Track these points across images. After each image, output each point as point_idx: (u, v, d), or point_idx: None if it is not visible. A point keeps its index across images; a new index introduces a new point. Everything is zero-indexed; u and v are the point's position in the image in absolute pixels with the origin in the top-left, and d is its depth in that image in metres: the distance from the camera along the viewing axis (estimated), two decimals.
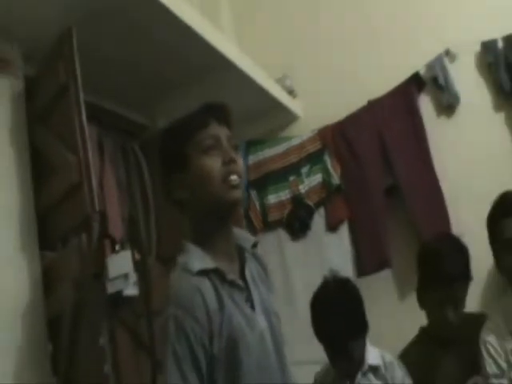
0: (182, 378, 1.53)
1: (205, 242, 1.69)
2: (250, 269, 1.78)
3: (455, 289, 2.59)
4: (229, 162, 1.66)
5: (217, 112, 1.74)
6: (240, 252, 1.79)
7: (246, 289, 1.71)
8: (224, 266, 1.67)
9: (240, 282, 1.69)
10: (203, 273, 1.61)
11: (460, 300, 2.63)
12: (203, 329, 1.55)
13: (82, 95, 2.48)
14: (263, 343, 1.66)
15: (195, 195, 1.69)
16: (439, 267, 2.62)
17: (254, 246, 1.86)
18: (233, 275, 1.67)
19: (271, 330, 1.71)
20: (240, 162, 1.72)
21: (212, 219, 1.70)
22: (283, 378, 1.71)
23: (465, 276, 2.64)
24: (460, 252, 2.68)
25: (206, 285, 1.60)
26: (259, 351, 1.63)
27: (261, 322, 1.69)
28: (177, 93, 3.40)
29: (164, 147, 1.81)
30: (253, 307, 1.69)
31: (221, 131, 1.71)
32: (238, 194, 1.67)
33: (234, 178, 1.65)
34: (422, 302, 2.75)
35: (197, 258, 1.65)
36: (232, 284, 1.66)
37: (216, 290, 1.61)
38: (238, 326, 1.60)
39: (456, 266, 2.60)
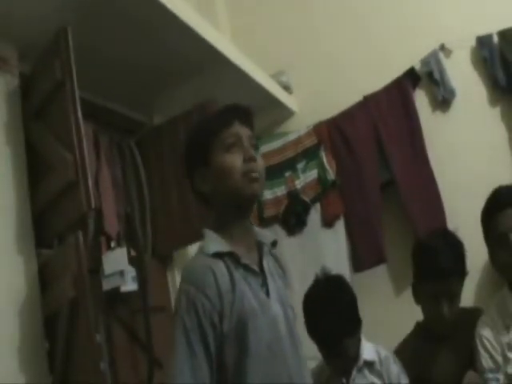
0: (189, 348, 1.60)
1: (224, 231, 1.79)
2: (268, 263, 1.84)
3: (450, 283, 2.61)
4: (249, 160, 1.75)
5: (240, 113, 1.85)
6: (259, 247, 1.85)
7: (262, 276, 1.77)
8: (241, 252, 1.75)
9: (255, 267, 1.76)
10: (218, 255, 1.71)
11: (455, 295, 2.64)
12: (213, 306, 1.63)
13: (77, 92, 2.47)
14: (275, 329, 1.71)
15: (217, 188, 1.79)
16: (434, 262, 2.63)
17: (274, 244, 1.93)
18: (248, 261, 1.75)
19: (286, 320, 1.76)
20: (260, 160, 1.81)
21: (232, 211, 1.79)
22: (297, 366, 1.75)
23: (459, 271, 2.65)
24: (455, 247, 2.70)
25: (219, 266, 1.69)
26: (271, 335, 1.68)
27: (275, 308, 1.74)
28: (173, 90, 3.40)
29: (190, 143, 1.91)
30: (267, 294, 1.75)
31: (243, 131, 1.81)
32: (256, 186, 1.76)
33: (254, 175, 1.75)
34: (418, 297, 2.77)
35: (213, 242, 1.75)
36: (247, 268, 1.73)
37: (229, 271, 1.69)
38: (249, 308, 1.66)
39: (450, 260, 2.61)
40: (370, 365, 2.55)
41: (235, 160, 1.75)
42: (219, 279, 1.66)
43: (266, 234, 1.94)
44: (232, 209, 1.79)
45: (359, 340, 2.56)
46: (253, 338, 1.64)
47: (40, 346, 2.39)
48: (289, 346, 1.73)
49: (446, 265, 2.60)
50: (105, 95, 3.26)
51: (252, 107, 1.88)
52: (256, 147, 1.84)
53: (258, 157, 1.80)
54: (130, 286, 2.77)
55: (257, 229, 1.92)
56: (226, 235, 1.77)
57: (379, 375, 2.53)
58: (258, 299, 1.70)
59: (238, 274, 1.70)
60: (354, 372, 2.52)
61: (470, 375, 2.54)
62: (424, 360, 2.68)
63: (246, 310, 1.65)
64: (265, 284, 1.77)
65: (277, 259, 1.94)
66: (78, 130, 2.44)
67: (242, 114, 1.85)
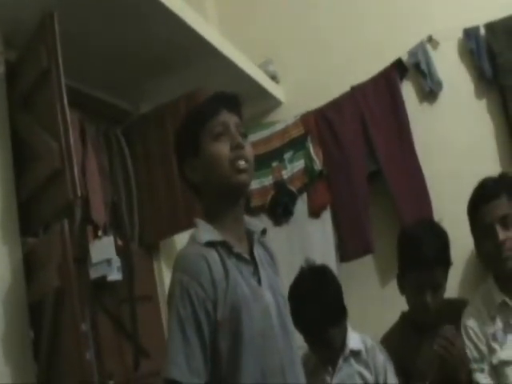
0: (184, 337, 1.60)
1: (215, 221, 1.79)
2: (258, 251, 1.85)
3: (434, 273, 2.62)
4: (236, 148, 1.75)
5: (227, 101, 1.84)
6: (249, 236, 1.86)
7: (253, 264, 1.78)
8: (232, 241, 1.75)
9: (247, 256, 1.77)
10: (211, 244, 1.71)
11: (439, 285, 2.65)
12: (207, 295, 1.63)
13: (63, 80, 2.44)
14: (268, 315, 1.72)
15: (206, 178, 1.79)
16: (417, 251, 2.64)
17: (263, 232, 1.93)
18: (239, 249, 1.75)
19: (277, 308, 1.77)
20: (248, 147, 1.80)
21: (222, 201, 1.79)
22: (289, 352, 1.75)
23: (443, 260, 2.66)
24: (438, 236, 2.71)
25: (212, 254, 1.69)
26: (263, 322, 1.69)
27: (267, 296, 1.74)
28: (160, 78, 3.37)
29: (178, 133, 1.92)
30: (259, 282, 1.76)
31: (230, 119, 1.80)
32: (244, 177, 1.76)
33: (241, 162, 1.74)
34: (402, 287, 2.78)
35: (205, 231, 1.75)
36: (239, 257, 1.74)
37: (222, 260, 1.70)
38: (242, 295, 1.66)
39: (435, 250, 2.62)
40: (356, 354, 2.56)
41: (223, 148, 1.74)
42: (213, 267, 1.66)
43: (256, 223, 1.94)
44: (222, 198, 1.78)
45: (345, 329, 2.56)
46: (246, 325, 1.64)
47: (25, 335, 2.36)
48: (280, 333, 1.74)
49: (430, 254, 2.61)
50: (91, 83, 3.23)
51: (240, 95, 1.87)
52: (244, 135, 1.83)
53: (247, 144, 1.79)
54: (116, 275, 2.75)
55: (246, 217, 1.91)
56: (218, 225, 1.77)
57: (365, 364, 2.54)
58: (250, 287, 1.71)
59: (231, 263, 1.70)
60: (341, 361, 2.53)
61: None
62: (409, 350, 2.69)
63: (239, 297, 1.66)
64: (256, 272, 1.77)
65: (266, 247, 1.94)
66: (64, 118, 2.41)
67: (230, 101, 1.85)
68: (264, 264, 1.84)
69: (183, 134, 1.88)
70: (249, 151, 1.79)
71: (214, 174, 1.75)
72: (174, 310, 1.63)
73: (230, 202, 1.80)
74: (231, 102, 1.84)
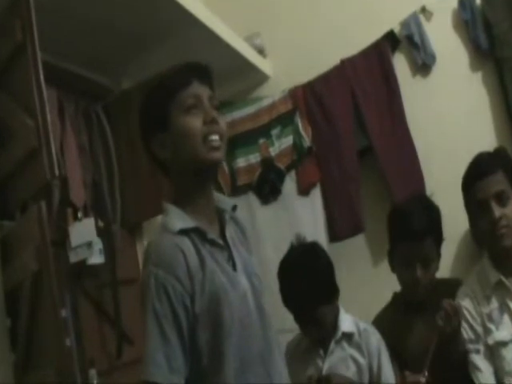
0: (162, 336, 1.56)
1: (185, 203, 1.74)
2: (230, 231, 1.81)
3: (423, 246, 2.60)
4: (210, 122, 1.69)
5: (199, 71, 1.77)
6: (220, 214, 1.82)
7: (227, 249, 1.74)
8: (204, 226, 1.70)
9: (221, 242, 1.72)
10: (183, 232, 1.67)
11: (429, 259, 2.63)
12: (184, 287, 1.59)
13: (39, 55, 2.40)
14: (245, 302, 1.69)
15: (176, 155, 1.73)
16: (406, 223, 2.63)
17: (234, 208, 1.88)
18: (213, 235, 1.71)
19: (253, 290, 1.74)
20: (222, 122, 1.74)
21: (193, 180, 1.74)
22: (265, 336, 1.73)
23: (434, 233, 2.64)
24: (429, 209, 2.70)
25: (186, 243, 1.64)
26: (241, 308, 1.67)
27: (242, 281, 1.71)
28: (142, 53, 3.34)
29: (144, 106, 1.84)
30: (234, 267, 1.72)
31: (202, 90, 1.74)
32: (218, 155, 1.71)
33: (215, 137, 1.69)
34: (393, 264, 2.76)
35: (177, 218, 1.70)
36: (213, 243, 1.70)
37: (197, 248, 1.65)
38: (220, 284, 1.63)
39: (424, 222, 2.61)
40: (348, 337, 2.54)
41: (195, 122, 1.69)
42: (188, 258, 1.61)
43: (226, 200, 1.91)
44: (193, 177, 1.73)
45: (337, 309, 2.55)
46: (226, 315, 1.61)
47: (1, 323, 2.34)
48: (257, 319, 1.72)
49: (419, 226, 2.59)
50: (70, 58, 3.19)
51: (211, 65, 1.80)
52: (217, 108, 1.77)
53: (220, 118, 1.73)
54: (97, 258, 2.72)
55: (216, 194, 1.87)
56: (188, 207, 1.73)
57: (358, 347, 2.52)
58: (226, 275, 1.67)
59: (205, 250, 1.66)
60: (332, 344, 2.52)
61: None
62: (400, 331, 2.68)
63: (218, 287, 1.62)
64: (231, 257, 1.74)
65: (237, 222, 1.91)
66: (41, 94, 2.38)
67: (202, 72, 1.78)
68: (237, 244, 1.81)
69: (150, 106, 1.81)
70: (223, 126, 1.74)
71: (184, 150, 1.70)
72: (150, 306, 1.58)
73: (201, 181, 1.75)
74: (203, 73, 1.78)
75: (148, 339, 1.57)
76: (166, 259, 1.61)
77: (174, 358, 1.56)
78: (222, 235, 1.77)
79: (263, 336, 1.72)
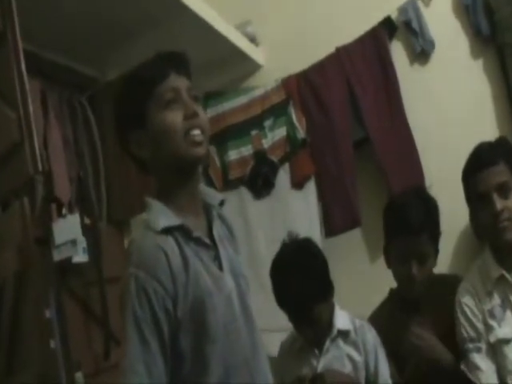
0: (142, 342, 1.53)
1: (169, 199, 1.70)
2: (217, 228, 1.78)
3: (420, 241, 2.61)
4: (191, 116, 1.65)
5: (175, 61, 1.73)
6: (207, 210, 1.79)
7: (214, 247, 1.72)
8: (190, 223, 1.67)
9: (207, 240, 1.70)
10: (167, 230, 1.61)
11: (426, 255, 2.64)
12: (166, 291, 1.56)
13: (21, 44, 2.40)
14: (230, 305, 1.67)
15: (156, 153, 1.69)
16: (401, 217, 2.64)
17: (221, 204, 1.86)
18: (199, 233, 1.68)
19: (238, 292, 1.72)
20: (203, 115, 1.71)
21: (175, 177, 1.71)
22: (251, 341, 1.72)
23: (429, 227, 2.64)
24: (426, 203, 2.70)
25: (169, 243, 1.61)
26: (226, 313, 1.64)
27: (229, 282, 1.69)
28: (128, 41, 3.31)
29: (120, 102, 1.79)
30: (220, 267, 1.70)
31: (181, 82, 1.70)
32: (201, 150, 1.67)
33: (196, 132, 1.65)
34: (388, 260, 2.77)
35: (160, 215, 1.66)
36: (198, 242, 1.67)
37: (180, 248, 1.62)
38: (204, 287, 1.60)
39: (420, 216, 2.61)
40: (344, 334, 2.54)
41: (175, 118, 1.65)
42: (171, 260, 1.58)
43: (213, 195, 1.88)
44: (175, 175, 1.70)
45: (332, 307, 2.55)
46: (211, 319, 1.59)
47: None
48: (243, 323, 1.70)
49: (416, 221, 2.59)
50: (53, 48, 3.19)
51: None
52: (196, 99, 1.74)
53: (200, 110, 1.70)
54: (82, 256, 2.71)
55: (203, 188, 1.85)
56: (172, 205, 1.69)
57: (355, 345, 2.53)
58: (211, 276, 1.65)
59: (189, 250, 1.64)
60: (328, 342, 2.52)
61: None
62: (396, 329, 2.68)
63: (202, 290, 1.60)
64: (217, 257, 1.71)
65: (224, 219, 1.89)
66: (22, 85, 2.38)
67: (178, 62, 1.74)
68: (224, 242, 1.79)
69: (126, 102, 1.77)
70: (204, 118, 1.71)
71: (165, 147, 1.66)
72: (130, 310, 1.55)
73: (185, 178, 1.72)
74: (180, 63, 1.75)
75: (127, 345, 1.55)
76: (147, 260, 1.58)
77: (154, 365, 1.53)
78: (209, 232, 1.75)
79: (249, 340, 1.71)
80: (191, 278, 1.59)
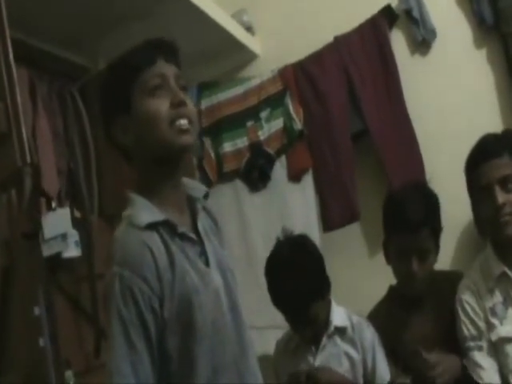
0: (128, 342, 1.52)
1: (152, 193, 1.69)
2: (203, 222, 1.77)
3: (420, 237, 2.60)
4: (178, 105, 1.64)
5: (164, 48, 1.72)
6: (191, 203, 1.78)
7: (200, 242, 1.70)
8: (174, 217, 1.66)
9: (192, 235, 1.68)
10: (152, 226, 1.60)
11: (426, 251, 2.64)
12: (153, 290, 1.54)
13: (8, 32, 2.40)
14: (218, 301, 1.66)
15: (140, 141, 1.68)
16: (401, 212, 2.64)
17: (206, 196, 1.84)
18: (184, 227, 1.66)
19: (226, 288, 1.71)
20: (190, 104, 1.69)
21: (159, 167, 1.70)
22: (239, 338, 1.71)
23: (429, 222, 2.64)
24: (426, 198, 2.70)
25: (154, 240, 1.60)
26: (214, 310, 1.63)
27: (215, 278, 1.68)
28: (120, 30, 3.27)
29: (105, 87, 1.79)
30: (207, 262, 1.69)
31: (168, 70, 1.69)
32: (187, 139, 1.65)
33: (183, 122, 1.64)
34: (388, 257, 2.77)
35: (144, 211, 1.66)
36: (183, 237, 1.65)
37: (166, 244, 1.60)
38: (191, 284, 1.59)
39: (420, 211, 2.61)
40: (341, 331, 2.56)
41: (161, 105, 1.64)
42: (157, 257, 1.57)
43: (197, 187, 1.87)
44: (159, 165, 1.69)
45: (329, 304, 2.56)
46: (198, 317, 1.58)
47: None
48: (231, 321, 1.69)
49: (416, 216, 2.59)
50: (42, 36, 3.17)
51: (177, 41, 1.76)
52: (184, 88, 1.73)
53: (188, 100, 1.69)
54: (73, 251, 2.70)
55: (186, 180, 1.82)
56: (155, 198, 1.68)
57: (352, 342, 2.55)
58: (198, 273, 1.63)
59: (175, 246, 1.62)
60: (324, 339, 2.54)
61: None
62: (396, 327, 2.70)
63: (189, 288, 1.58)
64: (203, 252, 1.70)
65: (209, 212, 1.88)
66: (10, 74, 2.38)
67: (167, 49, 1.73)
68: (210, 236, 1.78)
69: (110, 87, 1.75)
70: (191, 108, 1.70)
71: (149, 135, 1.65)
72: (115, 310, 1.53)
73: (169, 169, 1.71)
74: (169, 50, 1.74)
75: (113, 347, 1.53)
76: (132, 258, 1.56)
77: (141, 367, 1.52)
78: (194, 227, 1.74)
79: (237, 338, 1.70)
80: (177, 276, 1.58)
